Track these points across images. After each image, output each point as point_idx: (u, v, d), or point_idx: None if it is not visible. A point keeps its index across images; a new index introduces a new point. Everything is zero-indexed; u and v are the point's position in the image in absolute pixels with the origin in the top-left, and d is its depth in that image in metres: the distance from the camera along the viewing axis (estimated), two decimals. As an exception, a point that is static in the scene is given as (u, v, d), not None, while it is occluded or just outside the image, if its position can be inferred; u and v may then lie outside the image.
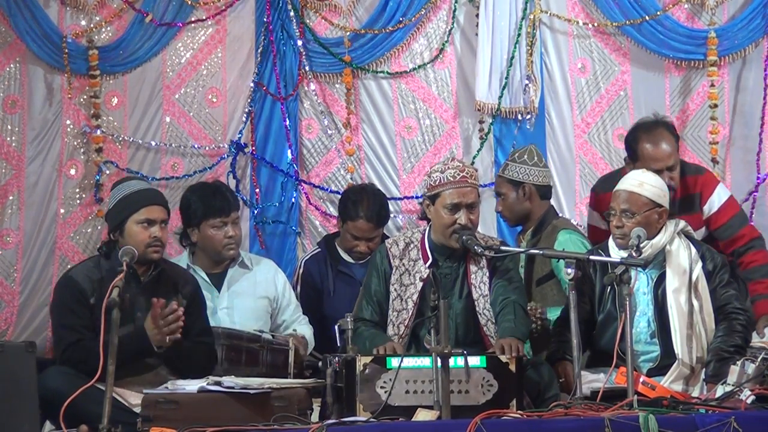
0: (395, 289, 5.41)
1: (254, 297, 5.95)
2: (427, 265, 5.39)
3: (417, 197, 6.97)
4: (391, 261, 5.45)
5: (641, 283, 5.38)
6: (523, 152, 6.20)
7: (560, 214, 6.48)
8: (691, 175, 6.04)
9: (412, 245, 5.47)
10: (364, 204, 6.31)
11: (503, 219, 6.37)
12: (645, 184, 5.39)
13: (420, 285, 5.37)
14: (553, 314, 5.69)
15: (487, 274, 5.39)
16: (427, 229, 5.48)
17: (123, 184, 5.29)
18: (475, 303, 5.35)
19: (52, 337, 4.95)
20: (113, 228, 5.15)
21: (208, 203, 5.86)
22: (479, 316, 5.34)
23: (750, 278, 5.90)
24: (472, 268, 5.41)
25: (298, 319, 6.05)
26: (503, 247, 5.38)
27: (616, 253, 5.36)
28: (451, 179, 5.38)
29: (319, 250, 6.51)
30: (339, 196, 6.94)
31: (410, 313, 5.36)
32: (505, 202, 6.17)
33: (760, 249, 5.96)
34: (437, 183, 5.38)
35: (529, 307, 5.58)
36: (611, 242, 5.46)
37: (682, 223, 5.46)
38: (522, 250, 5.74)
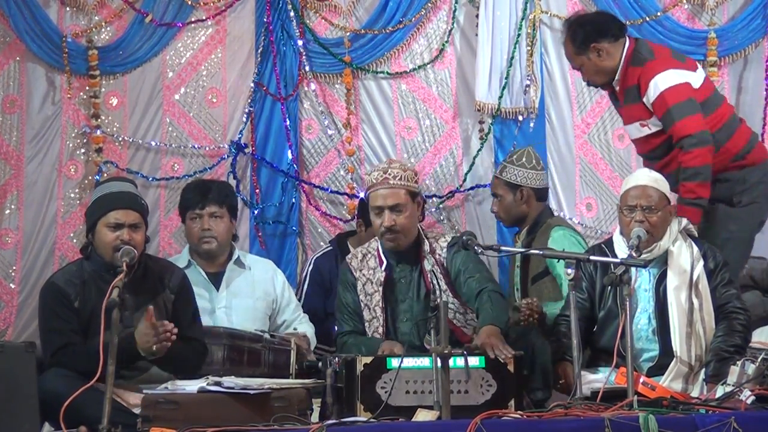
0: (361, 300, 5.42)
1: (252, 298, 5.94)
2: (383, 268, 5.39)
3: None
4: (354, 272, 5.45)
5: (643, 279, 5.37)
6: (521, 154, 6.16)
7: (556, 214, 6.50)
8: (632, 66, 5.77)
9: (369, 255, 5.47)
10: None
11: (498, 220, 6.35)
12: (659, 180, 5.40)
13: (381, 290, 5.36)
14: (549, 309, 5.68)
15: (440, 270, 5.35)
16: None
17: (103, 185, 5.24)
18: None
19: (41, 342, 4.92)
20: (88, 229, 5.12)
21: (184, 196, 5.98)
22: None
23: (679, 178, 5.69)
24: (426, 267, 5.38)
25: (298, 318, 6.05)
26: (504, 248, 5.36)
27: (621, 250, 5.34)
28: (374, 181, 5.38)
29: (330, 248, 6.53)
30: (339, 197, 6.96)
31: (380, 321, 5.36)
32: (502, 203, 6.15)
33: (687, 150, 5.61)
34: (367, 187, 5.41)
35: (525, 302, 5.57)
36: (616, 238, 5.45)
37: (684, 221, 5.46)
38: (522, 250, 5.72)
